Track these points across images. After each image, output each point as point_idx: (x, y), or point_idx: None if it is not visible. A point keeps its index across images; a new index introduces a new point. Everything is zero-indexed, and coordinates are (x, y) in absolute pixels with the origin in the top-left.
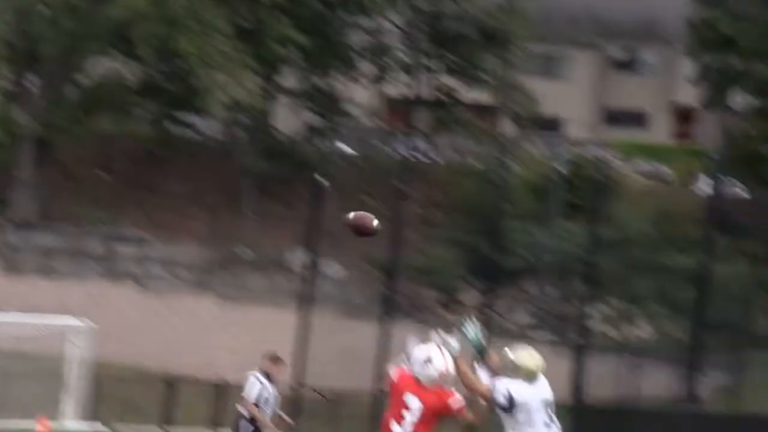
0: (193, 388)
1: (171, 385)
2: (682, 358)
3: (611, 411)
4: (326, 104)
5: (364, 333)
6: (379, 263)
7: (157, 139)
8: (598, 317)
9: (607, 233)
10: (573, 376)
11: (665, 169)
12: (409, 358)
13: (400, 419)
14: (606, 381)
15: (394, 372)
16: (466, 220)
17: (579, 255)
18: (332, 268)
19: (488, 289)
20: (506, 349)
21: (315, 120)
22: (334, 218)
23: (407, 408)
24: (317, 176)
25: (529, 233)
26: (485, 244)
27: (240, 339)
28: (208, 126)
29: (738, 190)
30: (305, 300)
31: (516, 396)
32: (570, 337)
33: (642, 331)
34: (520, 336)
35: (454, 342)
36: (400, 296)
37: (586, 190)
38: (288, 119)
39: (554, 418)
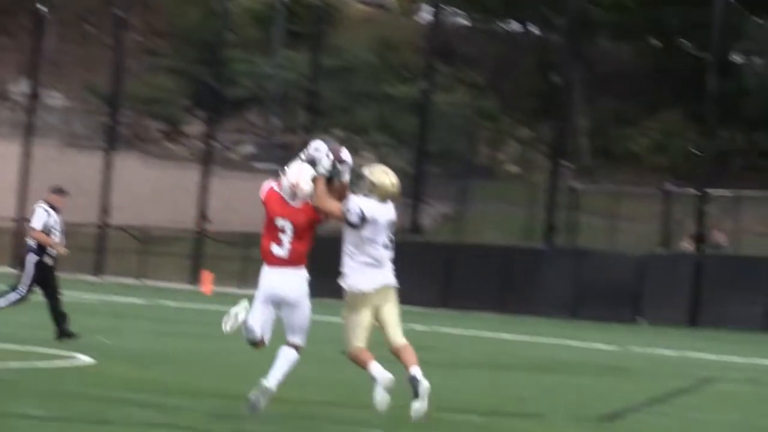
0: None
1: None
2: (406, 188)
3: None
4: None
5: (87, 164)
6: (102, 93)
7: None
8: None
9: (329, 62)
10: None
11: None
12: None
13: (278, 242)
14: None
15: (263, 190)
16: (188, 50)
17: (302, 84)
18: (55, 99)
19: (212, 119)
20: (363, 168)
21: None
22: (55, 48)
23: (282, 231)
24: (38, 5)
25: (252, 63)
26: (208, 73)
27: None
28: None
29: (459, 18)
30: (27, 131)
31: (367, 213)
32: None
33: (366, 161)
34: (244, 167)
35: (325, 162)
36: (123, 127)
37: (307, 19)
38: None
39: (393, 239)
